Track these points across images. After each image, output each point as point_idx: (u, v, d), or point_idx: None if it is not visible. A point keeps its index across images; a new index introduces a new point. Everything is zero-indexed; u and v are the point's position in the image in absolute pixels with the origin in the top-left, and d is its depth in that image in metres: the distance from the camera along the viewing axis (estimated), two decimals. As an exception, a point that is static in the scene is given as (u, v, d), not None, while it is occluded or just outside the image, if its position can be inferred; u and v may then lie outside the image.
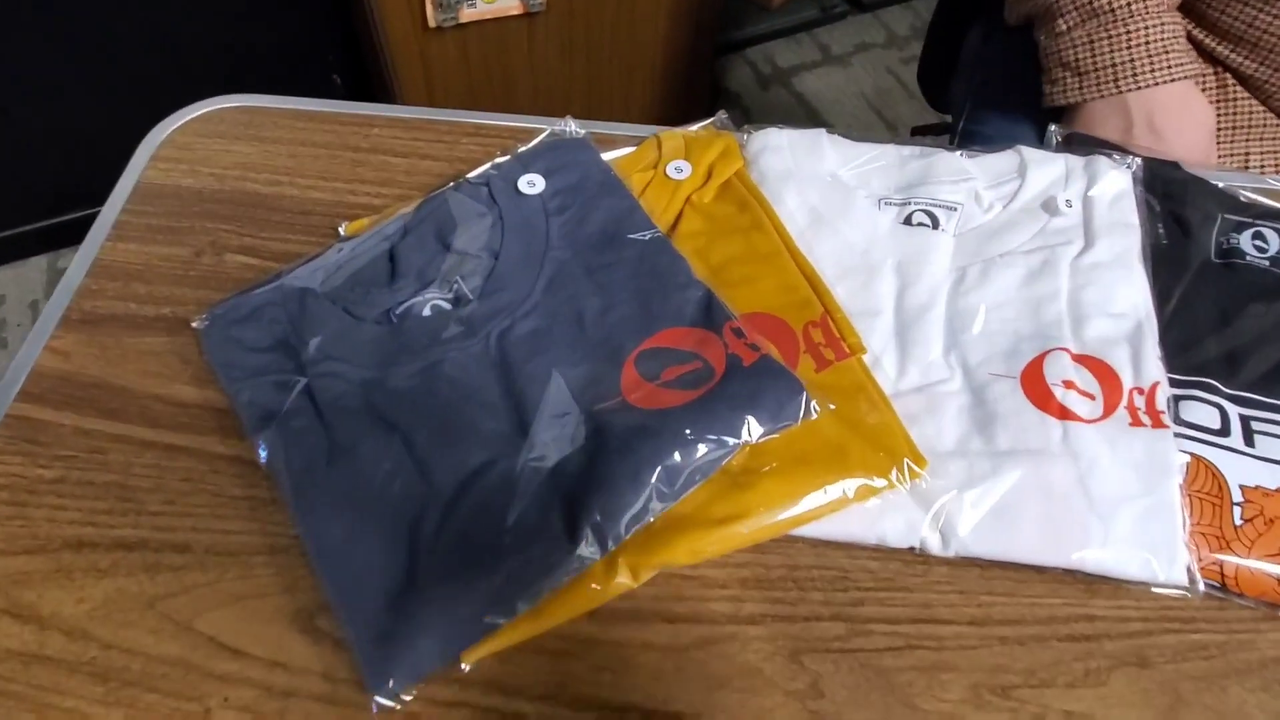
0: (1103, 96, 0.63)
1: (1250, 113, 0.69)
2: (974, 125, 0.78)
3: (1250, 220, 0.52)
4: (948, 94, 0.95)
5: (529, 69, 1.27)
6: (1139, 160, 0.53)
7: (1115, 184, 0.51)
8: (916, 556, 0.42)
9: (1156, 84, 0.62)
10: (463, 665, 0.38)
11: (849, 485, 0.41)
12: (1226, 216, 0.52)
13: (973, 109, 0.80)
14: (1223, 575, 0.41)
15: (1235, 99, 0.69)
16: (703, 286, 0.46)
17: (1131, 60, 0.62)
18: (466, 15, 1.12)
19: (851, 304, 0.48)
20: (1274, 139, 0.70)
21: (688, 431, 0.40)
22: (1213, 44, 0.68)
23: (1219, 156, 0.69)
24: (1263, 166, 0.69)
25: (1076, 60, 0.64)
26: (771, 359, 0.42)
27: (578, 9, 1.21)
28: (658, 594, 0.41)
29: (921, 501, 0.42)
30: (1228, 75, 0.69)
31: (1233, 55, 0.67)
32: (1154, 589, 0.41)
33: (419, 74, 1.19)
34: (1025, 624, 0.41)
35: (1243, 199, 0.53)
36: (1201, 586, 0.41)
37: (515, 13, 1.16)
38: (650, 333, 0.44)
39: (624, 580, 0.39)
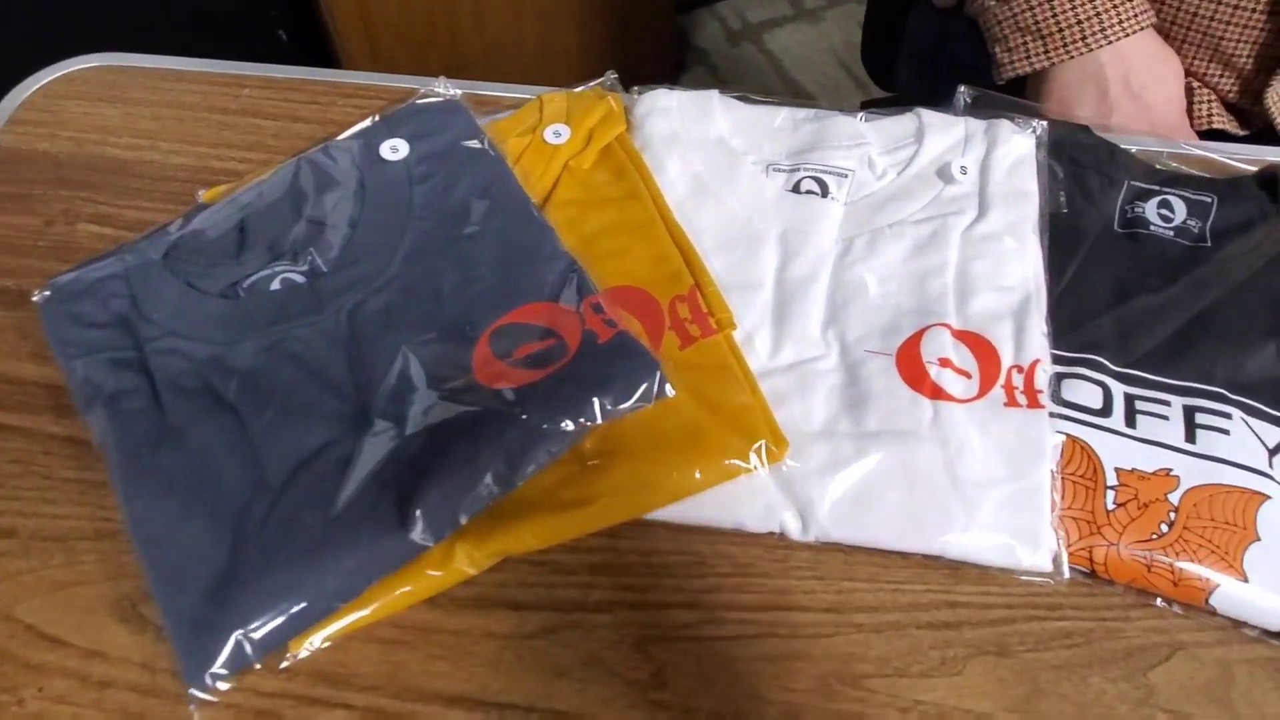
0: (1072, 57, 0.59)
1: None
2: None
3: (1157, 188, 0.49)
4: (894, 76, 0.91)
5: (477, 26, 1.23)
6: (1044, 124, 0.50)
7: (1016, 149, 0.49)
8: (779, 542, 0.41)
9: (1127, 34, 0.58)
10: (289, 655, 0.36)
11: (705, 468, 0.39)
12: (1133, 184, 0.49)
13: (923, 95, 0.76)
14: (1092, 561, 0.39)
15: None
16: (567, 259, 0.44)
17: (1098, 14, 0.58)
18: (405, -32, 1.08)
19: (730, 277, 0.45)
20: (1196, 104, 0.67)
21: (530, 413, 0.38)
22: None
23: None
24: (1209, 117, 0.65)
25: (1036, 23, 0.59)
26: (627, 336, 0.41)
27: (524, -39, 1.17)
28: (504, 580, 0.39)
29: (783, 485, 0.40)
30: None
31: None
32: (1021, 576, 0.40)
33: (360, 33, 1.16)
34: (885, 611, 0.39)
35: (1156, 165, 0.51)
36: (1066, 573, 0.39)
37: (457, -35, 1.12)
38: (509, 308, 0.42)
39: (463, 567, 0.38)
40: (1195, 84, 0.64)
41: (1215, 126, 0.64)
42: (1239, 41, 0.60)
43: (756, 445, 0.39)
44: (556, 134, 0.49)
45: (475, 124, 0.48)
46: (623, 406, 0.39)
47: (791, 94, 1.62)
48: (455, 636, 0.38)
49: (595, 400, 0.39)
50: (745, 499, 0.40)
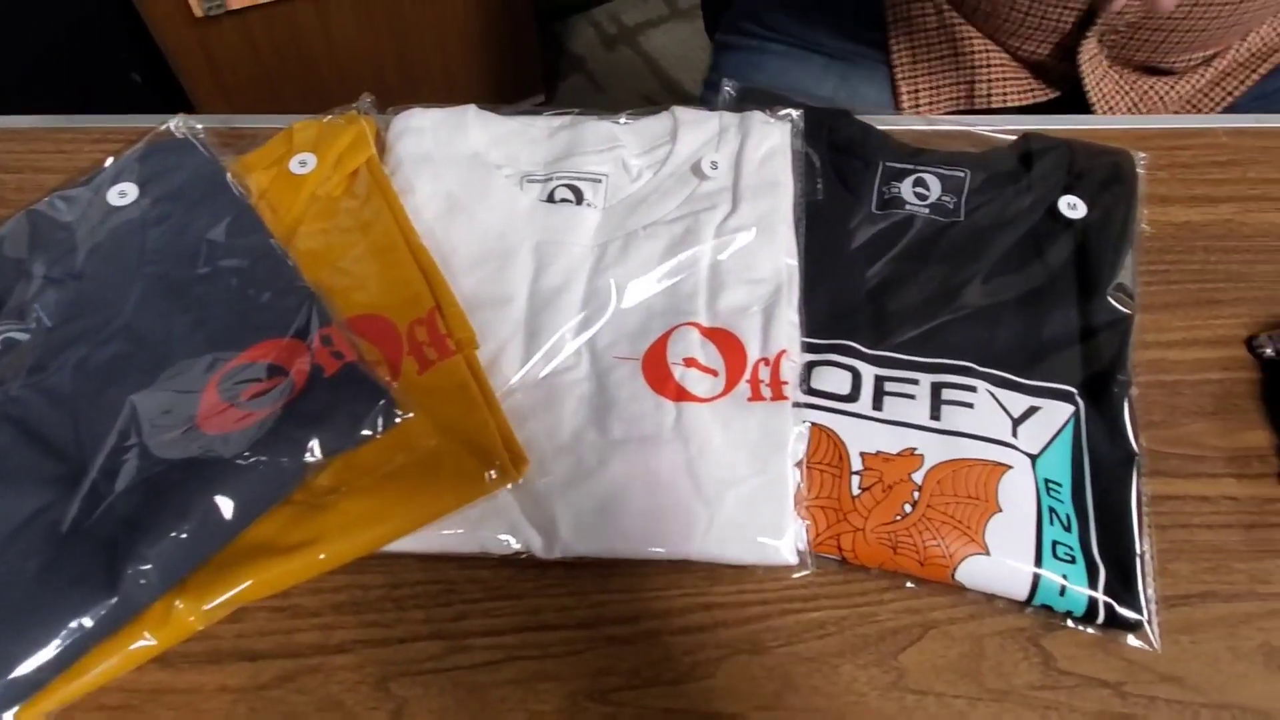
0: None
1: (973, 48, 0.67)
2: None
3: (911, 166, 0.49)
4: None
5: (329, 51, 1.21)
6: (800, 112, 0.50)
7: (769, 140, 0.49)
8: (531, 561, 0.40)
9: None
10: (2, 733, 0.35)
11: (441, 494, 0.38)
12: (888, 164, 0.50)
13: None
14: (840, 549, 0.39)
15: (955, 34, 0.67)
16: (305, 292, 0.42)
17: None
18: (239, 1, 1.06)
19: (483, 292, 0.45)
20: (1001, 68, 0.68)
21: (252, 456, 0.37)
22: None
23: (943, 91, 0.67)
24: (990, 96, 0.67)
25: None
26: (355, 367, 0.40)
27: (368, -17, 1.15)
28: (242, 630, 0.38)
29: (527, 503, 0.39)
30: (946, 6, 0.67)
31: None
32: (776, 571, 0.40)
33: (202, 66, 1.13)
34: (639, 621, 0.39)
35: (910, 146, 0.51)
36: (810, 564, 0.39)
37: (296, -7, 1.10)
38: (243, 347, 0.41)
39: (188, 623, 0.36)
40: (988, 57, 0.65)
41: (995, 105, 0.65)
42: (1049, 4, 0.61)
43: (494, 465, 0.39)
44: (302, 163, 0.47)
45: (212, 161, 0.47)
46: (349, 440, 0.38)
47: (671, 94, 1.62)
48: (186, 695, 0.37)
49: (318, 437, 0.38)
50: (489, 521, 0.39)
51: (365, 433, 0.38)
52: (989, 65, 0.67)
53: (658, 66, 1.64)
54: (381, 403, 0.38)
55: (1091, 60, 0.64)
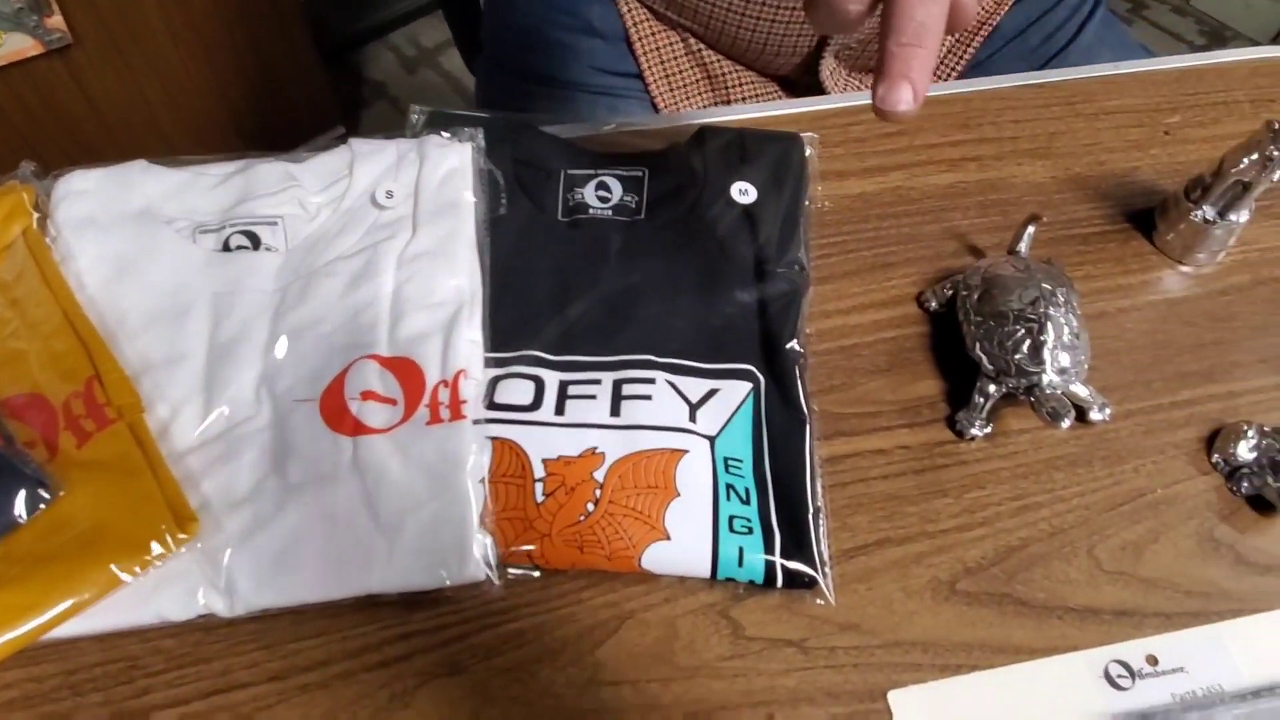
0: None
1: (722, 69, 0.70)
2: None
3: (592, 171, 0.51)
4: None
5: (90, 108, 1.16)
6: (480, 131, 0.51)
7: (445, 163, 0.49)
8: (221, 621, 0.39)
9: None
10: None
11: (105, 570, 0.37)
12: (569, 172, 0.51)
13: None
14: (530, 556, 0.40)
15: (705, 60, 0.70)
16: (-54, 380, 0.40)
17: None
18: (-29, 66, 1.00)
19: (156, 353, 0.43)
20: (751, 85, 0.71)
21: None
22: (673, 15, 0.68)
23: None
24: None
25: None
26: (-4, 452, 0.38)
27: (118, 36, 1.10)
28: (-106, 752, 0.36)
29: (203, 563, 0.38)
30: (691, 38, 0.69)
31: (685, 21, 0.68)
32: (476, 587, 0.40)
33: (-53, 136, 1.06)
34: (333, 663, 0.39)
35: (595, 151, 0.53)
36: (496, 579, 0.39)
37: (35, 53, 1.04)
38: (-123, 449, 0.39)
39: None
40: (738, 77, 0.69)
41: None
42: (783, 36, 0.64)
43: (161, 530, 0.38)
44: (-50, 242, 0.45)
45: None
46: (-11, 530, 0.36)
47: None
48: None
49: (-52, 534, 0.36)
50: (165, 588, 0.38)
51: (14, 518, 0.37)
52: (740, 84, 0.70)
53: (460, 84, 1.63)
54: (25, 488, 0.37)
55: (833, 74, 0.68)
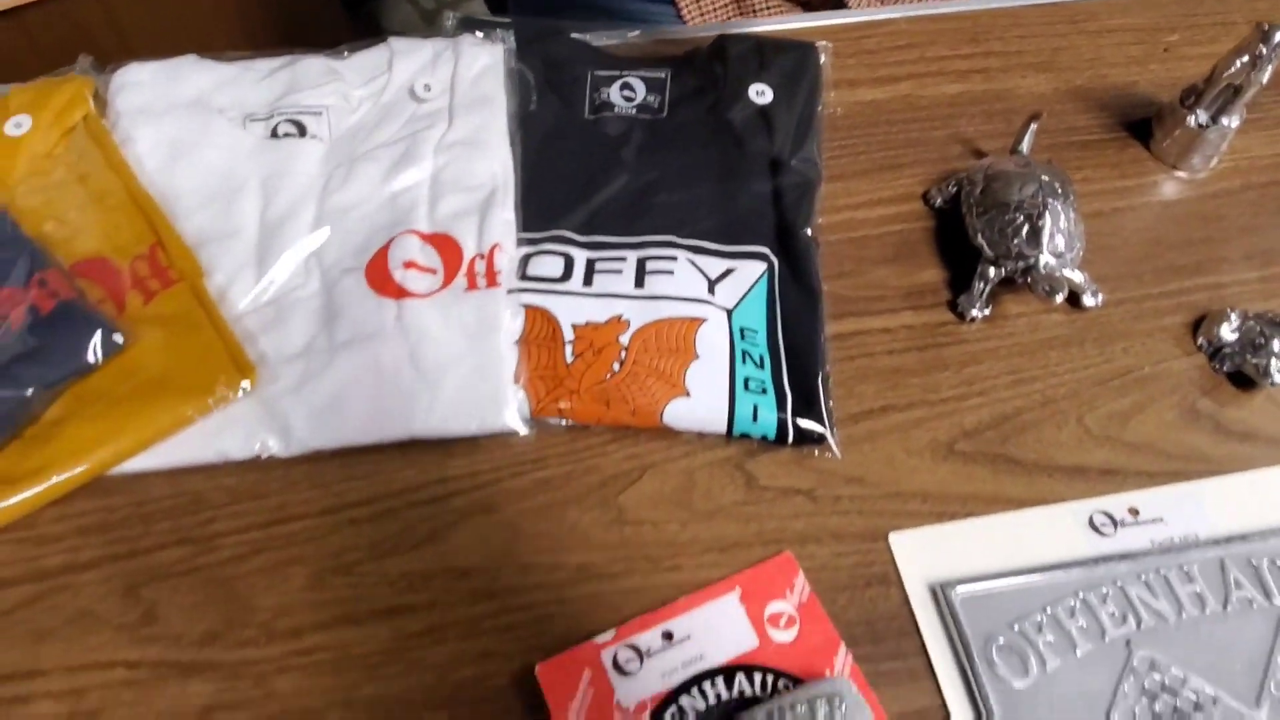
0: None
1: None
2: None
3: (618, 73, 0.54)
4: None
5: (122, 46, 1.18)
6: (511, 34, 0.54)
7: (479, 61, 0.52)
8: (278, 463, 0.42)
9: None
10: None
11: (170, 411, 0.40)
12: (596, 73, 0.54)
13: None
14: (560, 410, 0.43)
15: None
16: (21, 244, 0.43)
17: None
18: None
19: (212, 229, 0.47)
20: (779, 6, 0.73)
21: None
22: None
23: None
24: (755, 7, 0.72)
25: None
26: (71, 304, 0.41)
27: (147, -24, 1.13)
28: (-16, 564, 0.39)
29: (261, 408, 0.42)
30: None
31: None
32: (509, 439, 0.43)
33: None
34: (378, 501, 0.42)
35: (616, 55, 0.56)
36: (524, 429, 0.42)
37: (68, -10, 1.06)
38: (-40, 301, 0.42)
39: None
40: None
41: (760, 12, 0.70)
42: None
43: (222, 378, 0.41)
44: (18, 125, 0.48)
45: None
46: (68, 370, 0.40)
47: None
48: (-74, 629, 0.38)
49: (36, 370, 0.39)
50: (226, 429, 0.42)
51: (88, 361, 0.40)
52: (767, 6, 0.72)
53: (477, 40, 1.65)
54: (99, 332, 0.40)
55: None
